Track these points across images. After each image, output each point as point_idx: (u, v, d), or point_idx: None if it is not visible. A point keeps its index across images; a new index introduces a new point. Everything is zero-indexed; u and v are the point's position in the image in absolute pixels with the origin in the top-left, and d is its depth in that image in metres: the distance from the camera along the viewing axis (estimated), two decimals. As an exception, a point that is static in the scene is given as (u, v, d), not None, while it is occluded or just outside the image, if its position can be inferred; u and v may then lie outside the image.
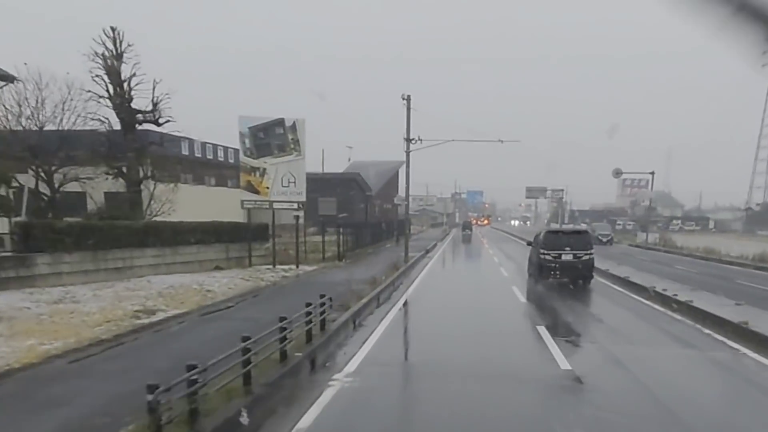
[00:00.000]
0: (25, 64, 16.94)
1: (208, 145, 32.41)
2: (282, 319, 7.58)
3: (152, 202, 20.93)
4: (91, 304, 11.84)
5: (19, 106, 16.87)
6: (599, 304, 14.88)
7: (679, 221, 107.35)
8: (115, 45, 18.08)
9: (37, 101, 17.06)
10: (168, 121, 18.91)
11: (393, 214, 50.00)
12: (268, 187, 19.99)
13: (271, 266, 20.70)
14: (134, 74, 18.42)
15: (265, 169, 19.91)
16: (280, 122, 19.83)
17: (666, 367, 8.31)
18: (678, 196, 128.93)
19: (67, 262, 14.56)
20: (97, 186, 19.59)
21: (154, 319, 10.67)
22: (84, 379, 6.86)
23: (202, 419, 5.04)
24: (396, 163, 51.80)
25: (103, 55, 17.62)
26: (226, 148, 33.47)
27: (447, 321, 12.25)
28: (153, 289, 14.24)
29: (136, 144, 18.33)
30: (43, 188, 17.66)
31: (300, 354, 7.78)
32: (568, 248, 17.58)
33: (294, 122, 19.93)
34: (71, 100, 17.44)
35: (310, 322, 8.61)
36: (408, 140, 22.39)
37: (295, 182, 20.13)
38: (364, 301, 12.11)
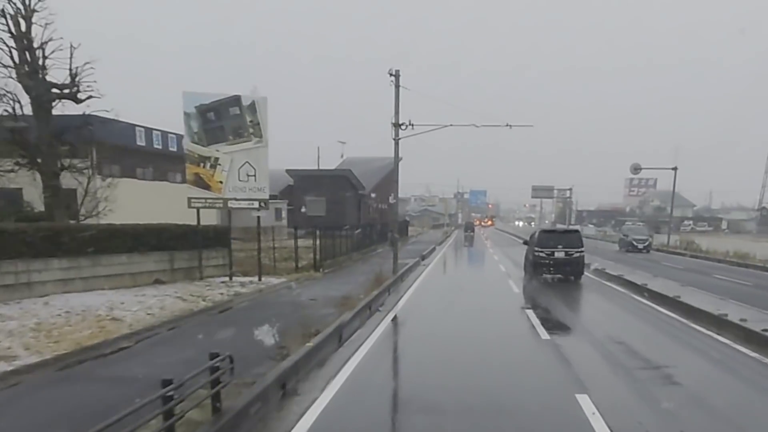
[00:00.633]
0: None
1: (171, 135, 28.57)
2: (166, 383, 3.94)
3: (86, 200, 17.20)
4: None
5: None
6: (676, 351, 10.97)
7: (691, 222, 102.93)
8: (24, 1, 14.30)
9: None
10: (90, 97, 15.09)
11: (390, 214, 46.13)
12: (221, 182, 16.17)
13: (228, 278, 16.92)
14: (50, 39, 14.63)
15: (217, 159, 16.08)
16: (236, 101, 15.99)
17: None
18: (687, 196, 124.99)
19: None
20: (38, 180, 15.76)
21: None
22: None
23: None
24: (392, 160, 47.96)
25: (2, 10, 13.83)
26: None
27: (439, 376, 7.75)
28: (38, 317, 10.43)
29: (49, 127, 14.50)
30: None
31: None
32: (560, 246, 19.07)
33: (253, 101, 16.10)
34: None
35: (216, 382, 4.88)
36: (396, 125, 18.55)
37: (255, 175, 16.31)
38: (316, 341, 8.24)
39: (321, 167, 43.98)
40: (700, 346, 9.46)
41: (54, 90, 14.75)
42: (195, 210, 16.44)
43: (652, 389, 6.97)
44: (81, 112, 15.96)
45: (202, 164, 16.02)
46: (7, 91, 14.32)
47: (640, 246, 34.94)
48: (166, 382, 4.37)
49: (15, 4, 14.23)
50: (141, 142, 23.55)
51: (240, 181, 16.22)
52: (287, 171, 39.64)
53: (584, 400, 6.27)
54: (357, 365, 7.96)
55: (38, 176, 15.28)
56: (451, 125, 18.78)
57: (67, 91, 14.66)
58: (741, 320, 9.84)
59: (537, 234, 20.58)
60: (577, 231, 22.04)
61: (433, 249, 34.37)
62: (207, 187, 16.11)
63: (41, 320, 10.17)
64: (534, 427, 5.83)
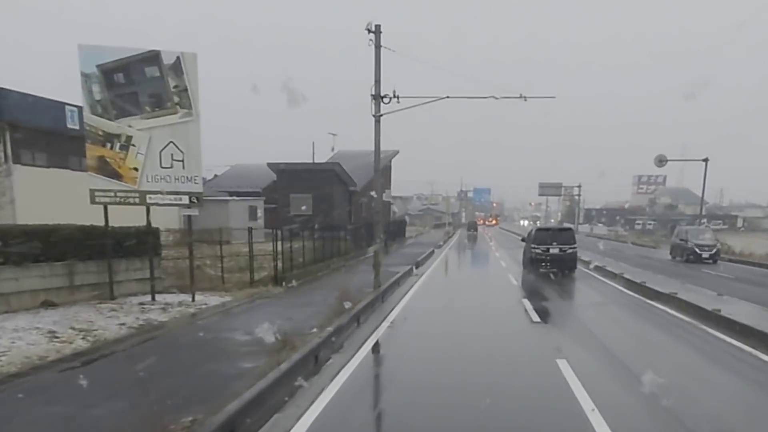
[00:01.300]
0: None
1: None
2: None
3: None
4: None
5: None
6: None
7: (704, 219, 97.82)
8: None
9: None
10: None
11: (385, 213, 41.91)
12: (136, 169, 11.97)
13: (151, 297, 12.77)
14: None
15: (130, 138, 11.88)
16: (153, 58, 11.76)
17: None
18: (698, 193, 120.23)
19: None
20: None
21: None
22: None
23: None
24: (387, 153, 43.68)
25: None
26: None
27: None
28: None
29: None
30: None
31: None
32: (555, 243, 20.55)
33: (178, 58, 11.87)
34: None
35: None
36: (377, 98, 14.30)
37: (183, 160, 12.11)
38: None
39: (313, 162, 39.70)
40: None
41: None
42: (145, 208, 12.35)
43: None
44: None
45: (108, 144, 11.80)
46: None
47: (706, 255, 26.07)
48: None
49: None
50: (74, 124, 19.37)
51: (163, 168, 12.01)
52: (268, 165, 35.45)
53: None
54: None
55: None
56: (447, 97, 14.50)
57: None
58: None
59: (533, 232, 22.42)
60: (570, 229, 23.61)
61: (431, 253, 30.10)
62: (116, 176, 11.90)
63: None
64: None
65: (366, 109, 14.28)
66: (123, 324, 10.18)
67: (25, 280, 11.19)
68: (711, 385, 7.42)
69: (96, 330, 9.62)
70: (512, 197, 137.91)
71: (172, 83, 11.85)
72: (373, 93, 14.37)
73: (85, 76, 11.50)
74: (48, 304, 11.45)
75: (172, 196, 12.15)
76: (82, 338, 9.07)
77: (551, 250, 20.50)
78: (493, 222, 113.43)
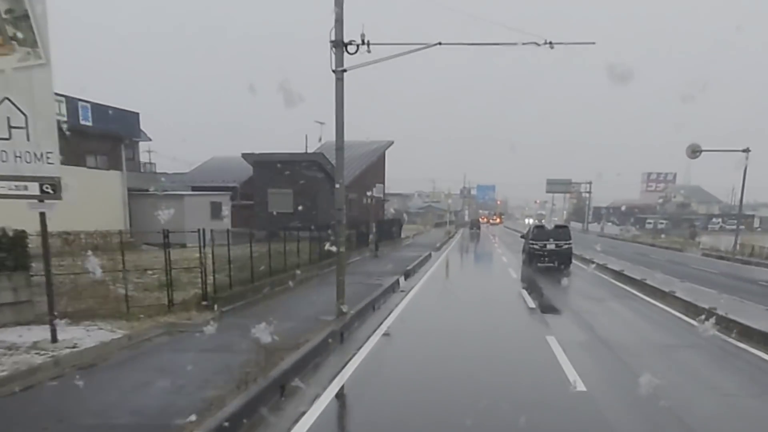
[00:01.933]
0: None
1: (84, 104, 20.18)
2: None
3: None
4: None
5: None
6: None
7: (719, 219, 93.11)
8: None
9: None
10: None
11: (376, 210, 37.64)
12: (-53, 140, 7.69)
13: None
14: None
15: (-64, 91, 7.60)
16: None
17: None
18: (711, 191, 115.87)
19: None
20: None
21: None
22: None
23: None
24: (380, 144, 39.37)
25: None
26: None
27: None
28: None
29: None
30: None
31: None
32: (551, 239, 22.55)
33: (11, -33, 7.59)
34: None
35: None
36: (339, 45, 9.96)
37: (27, 127, 7.83)
38: None
39: (294, 152, 35.22)
40: None
41: None
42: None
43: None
44: None
45: None
46: None
47: None
48: None
49: None
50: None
51: (-5, 139, 7.74)
52: (243, 156, 31.17)
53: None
54: None
55: None
56: (440, 44, 10.08)
57: None
58: None
59: (532, 229, 24.04)
60: (566, 226, 25.11)
61: (427, 257, 25.74)
62: None
63: None
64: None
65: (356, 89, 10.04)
66: None
67: None
68: None
69: None
70: (516, 195, 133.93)
71: (2, 6, 7.56)
72: (333, 38, 10.05)
73: None
74: None
75: (8, 184, 7.86)
76: None
77: (548, 246, 22.34)
78: (497, 220, 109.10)
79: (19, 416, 5.83)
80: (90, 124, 20.39)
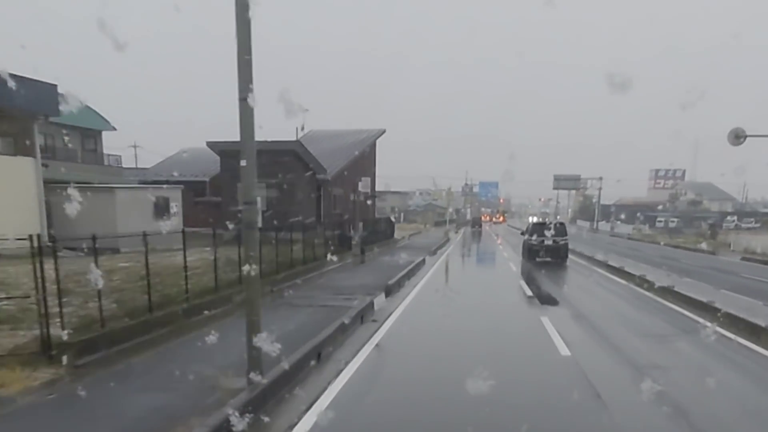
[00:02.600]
0: None
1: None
2: None
3: None
4: None
5: None
6: None
7: (735, 218, 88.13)
8: None
9: None
10: None
11: (365, 208, 33.20)
12: None
13: None
14: None
15: None
16: None
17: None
18: (723, 188, 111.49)
19: None
20: None
21: None
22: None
23: None
24: (370, 133, 34.92)
25: None
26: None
27: None
28: None
29: None
30: None
31: None
32: (549, 235, 23.69)
33: None
34: None
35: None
36: None
37: None
38: None
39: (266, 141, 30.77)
40: None
41: None
42: None
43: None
44: None
45: None
46: None
47: None
48: None
49: None
50: None
51: None
52: (208, 144, 26.85)
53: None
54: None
55: None
56: None
57: None
58: None
59: (530, 226, 25.68)
60: (563, 223, 26.25)
61: (420, 264, 21.37)
62: None
63: None
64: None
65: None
66: None
67: None
68: None
69: None
70: (520, 193, 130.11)
71: None
72: None
73: None
74: None
75: None
76: None
77: (546, 242, 23.69)
78: (500, 219, 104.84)
79: None
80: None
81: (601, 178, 63.24)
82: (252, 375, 6.19)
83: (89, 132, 33.78)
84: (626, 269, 18.75)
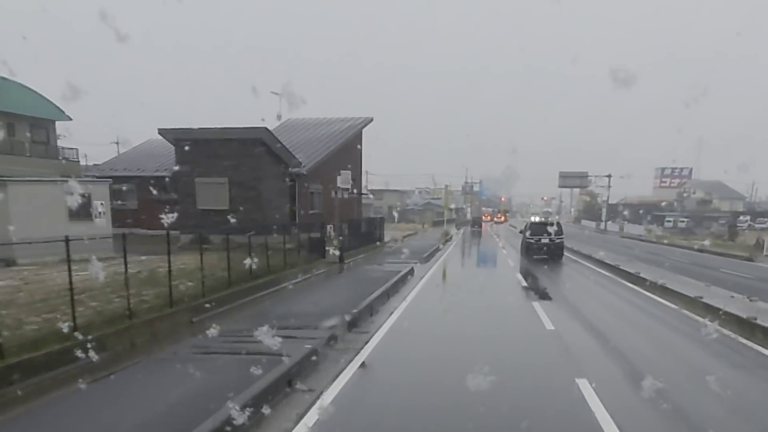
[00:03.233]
0: None
1: None
2: None
3: None
4: None
5: None
6: None
7: (747, 217, 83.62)
8: None
9: None
10: None
11: (350, 207, 29.18)
12: None
13: None
14: None
15: None
16: None
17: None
18: (733, 186, 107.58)
19: None
20: None
21: None
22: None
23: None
24: (355, 121, 30.83)
25: None
26: None
27: None
28: None
29: None
30: None
31: None
32: (546, 234, 25.10)
33: None
34: None
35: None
36: None
37: None
38: None
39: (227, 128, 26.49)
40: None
41: None
42: None
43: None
44: None
45: None
46: None
47: None
48: None
49: None
50: None
51: None
52: (160, 132, 22.86)
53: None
54: None
55: None
56: None
57: None
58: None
59: (528, 225, 27.51)
60: (559, 223, 27.44)
61: (407, 274, 17.35)
62: None
63: None
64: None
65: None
66: None
67: None
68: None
69: None
70: (521, 191, 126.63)
71: None
72: None
73: None
74: None
75: None
76: None
77: (542, 240, 25.29)
78: (502, 218, 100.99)
79: None
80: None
81: (609, 176, 59.09)
82: None
83: (39, 122, 29.98)
84: (660, 282, 14.73)
